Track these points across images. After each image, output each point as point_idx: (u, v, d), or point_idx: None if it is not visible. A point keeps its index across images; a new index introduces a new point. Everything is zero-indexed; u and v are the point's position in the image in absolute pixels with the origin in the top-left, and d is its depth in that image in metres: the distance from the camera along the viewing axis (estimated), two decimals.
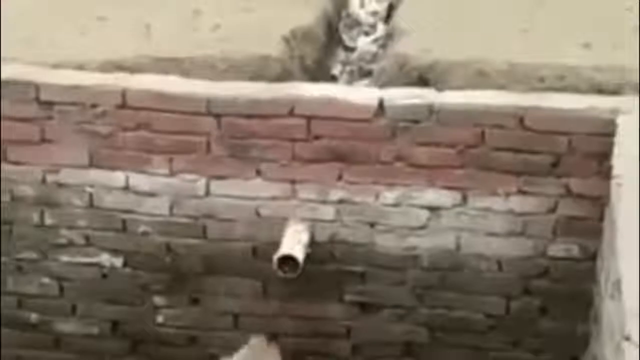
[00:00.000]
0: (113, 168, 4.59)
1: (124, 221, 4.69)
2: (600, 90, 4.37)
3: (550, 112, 4.25)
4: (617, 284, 3.54)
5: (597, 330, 4.20)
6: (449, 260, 4.57)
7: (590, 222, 4.36)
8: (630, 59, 4.46)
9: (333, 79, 5.21)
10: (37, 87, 4.51)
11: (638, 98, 4.24)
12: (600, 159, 4.22)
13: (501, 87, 4.46)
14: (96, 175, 4.60)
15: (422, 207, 4.48)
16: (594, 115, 4.21)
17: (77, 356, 4.94)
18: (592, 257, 4.42)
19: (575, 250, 4.46)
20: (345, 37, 5.50)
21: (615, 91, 4.34)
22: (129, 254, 4.75)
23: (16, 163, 4.63)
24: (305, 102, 4.41)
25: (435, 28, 4.88)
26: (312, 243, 4.56)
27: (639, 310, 3.19)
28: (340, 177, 4.49)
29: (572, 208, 4.36)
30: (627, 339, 3.12)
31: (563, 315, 4.57)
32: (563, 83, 4.44)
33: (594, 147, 4.23)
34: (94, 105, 4.49)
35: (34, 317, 4.90)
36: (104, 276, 4.80)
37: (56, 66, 4.62)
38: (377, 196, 4.49)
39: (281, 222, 4.57)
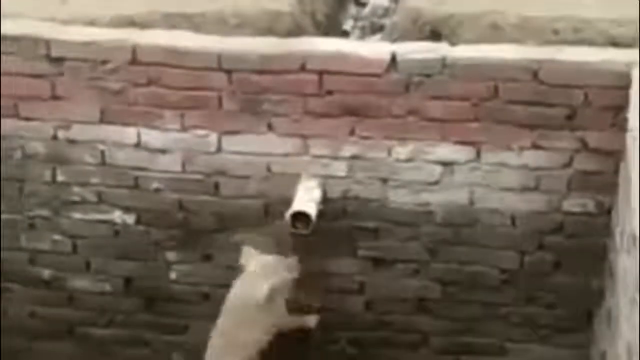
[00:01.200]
0: (124, 124, 4.57)
1: (136, 178, 4.68)
2: (615, 43, 4.32)
3: (566, 65, 4.20)
4: (633, 239, 3.52)
5: (612, 285, 4.19)
6: (463, 215, 4.55)
7: (605, 176, 4.33)
8: None
9: (345, 34, 5.17)
10: (47, 43, 4.48)
11: None
12: (615, 112, 4.18)
13: (515, 41, 4.41)
14: (108, 131, 4.59)
15: (435, 162, 4.46)
16: (610, 68, 4.16)
17: (90, 313, 4.96)
18: (607, 211, 4.40)
19: (590, 205, 4.43)
20: None
21: (630, 44, 4.28)
22: (141, 211, 4.75)
23: (27, 119, 4.61)
24: (317, 57, 4.37)
25: None
26: (325, 199, 4.55)
27: None
28: (352, 133, 4.46)
29: (587, 162, 4.33)
30: None
31: (577, 270, 4.56)
32: (578, 36, 4.39)
33: (610, 100, 4.18)
34: (104, 62, 4.47)
35: (47, 273, 4.92)
36: (117, 233, 4.80)
37: (67, 22, 4.59)
38: (389, 151, 4.47)
39: (293, 179, 4.54)
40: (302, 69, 4.38)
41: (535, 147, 4.35)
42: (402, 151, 4.46)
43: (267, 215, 4.66)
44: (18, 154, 4.69)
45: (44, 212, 4.80)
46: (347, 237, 4.66)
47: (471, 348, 4.81)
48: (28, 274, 4.93)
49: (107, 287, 4.91)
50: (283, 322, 4.50)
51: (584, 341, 4.67)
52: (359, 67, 4.34)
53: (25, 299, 4.98)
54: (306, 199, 4.48)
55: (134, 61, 4.45)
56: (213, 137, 4.55)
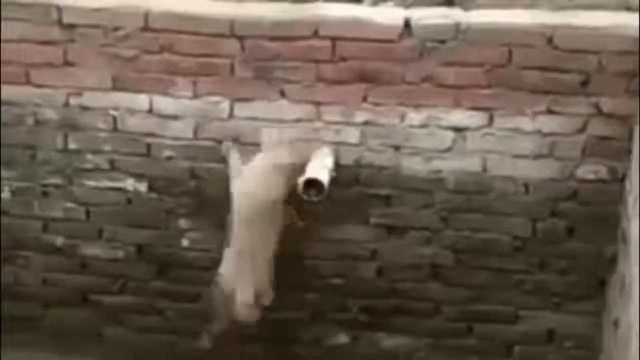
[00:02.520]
0: (137, 91, 4.56)
1: (148, 145, 4.68)
2: (629, 8, 4.28)
3: (580, 30, 4.18)
4: None
5: (625, 251, 4.18)
6: (475, 182, 4.54)
7: (619, 142, 4.32)
8: None
9: (357, 0, 5.13)
10: (59, 9, 4.47)
11: None
12: (629, 78, 4.16)
13: (529, 6, 4.38)
14: (120, 98, 4.58)
15: (448, 128, 4.45)
16: (624, 33, 4.14)
17: (102, 279, 4.97)
18: (621, 178, 4.39)
19: (603, 172, 4.41)
20: None
21: None
22: (153, 178, 4.75)
23: (39, 86, 4.61)
24: (330, 23, 4.36)
25: None
26: (337, 166, 4.54)
27: None
28: (365, 99, 4.45)
29: (601, 128, 4.31)
30: None
31: (590, 237, 4.55)
32: (592, 1, 4.35)
33: (624, 65, 4.16)
34: (116, 28, 4.46)
35: (60, 241, 4.92)
36: (129, 201, 4.81)
37: None
38: (402, 118, 4.46)
39: (306, 145, 4.54)
40: (315, 35, 4.36)
41: (549, 112, 4.33)
42: (415, 117, 4.44)
43: None
44: (30, 121, 4.69)
45: (57, 180, 4.80)
46: (360, 205, 4.66)
47: (484, 316, 4.81)
48: (41, 241, 4.94)
49: (120, 255, 4.92)
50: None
51: (597, 308, 4.66)
52: (373, 33, 4.33)
53: (39, 267, 5.00)
54: (319, 166, 4.48)
55: (145, 28, 4.44)
56: (225, 103, 4.54)
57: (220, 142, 4.61)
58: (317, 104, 4.48)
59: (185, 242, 4.86)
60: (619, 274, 4.31)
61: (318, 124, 4.51)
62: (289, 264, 4.79)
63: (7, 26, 4.50)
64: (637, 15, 4.18)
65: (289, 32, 4.37)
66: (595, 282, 4.64)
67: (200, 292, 4.89)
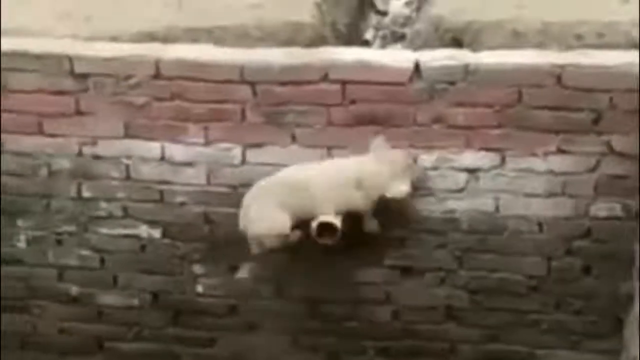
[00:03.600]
0: (149, 138, 4.59)
1: (161, 192, 4.70)
2: (638, 46, 4.29)
3: (589, 69, 4.19)
4: None
5: None
6: (489, 222, 4.54)
7: (632, 180, 4.31)
8: None
9: (366, 43, 5.17)
10: (71, 59, 4.51)
11: None
12: None
13: (537, 46, 4.39)
14: (132, 146, 4.61)
15: (460, 169, 4.45)
16: (634, 71, 4.14)
17: (118, 328, 4.97)
18: (635, 215, 4.38)
19: (617, 210, 4.41)
20: (377, 1, 5.44)
21: None
22: (167, 224, 4.76)
23: (52, 136, 4.64)
24: (339, 67, 4.38)
25: None
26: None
27: None
28: None
29: (613, 166, 4.31)
30: None
31: (606, 275, 4.53)
32: (601, 40, 4.37)
33: (635, 103, 4.16)
34: (128, 77, 4.49)
35: (75, 289, 4.93)
36: (143, 247, 4.82)
37: (90, 39, 4.62)
38: (414, 160, 4.46)
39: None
40: (325, 79, 4.38)
41: (561, 152, 4.33)
42: (427, 159, 4.45)
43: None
44: (44, 171, 4.71)
45: (71, 228, 4.82)
46: (374, 247, 4.65)
47: (500, 356, 4.79)
48: (56, 290, 4.95)
49: (135, 302, 4.92)
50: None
51: (614, 347, 4.62)
52: (382, 76, 4.35)
53: (55, 315, 5.00)
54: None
55: (157, 75, 4.47)
56: (237, 149, 4.55)
57: (234, 187, 4.62)
58: (329, 147, 4.50)
59: (199, 288, 4.86)
60: (636, 312, 4.28)
61: None
62: (305, 309, 4.80)
63: (20, 77, 4.54)
64: None
65: (299, 76, 4.39)
66: (613, 320, 4.61)
67: (215, 337, 4.90)
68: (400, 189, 4.39)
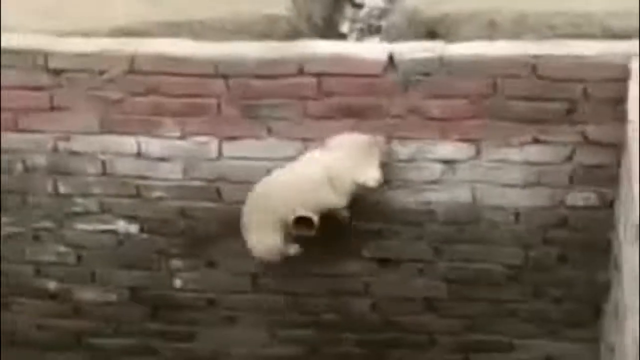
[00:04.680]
0: (125, 133, 4.57)
1: (137, 187, 4.68)
2: (613, 35, 4.31)
3: (564, 59, 4.19)
4: (636, 229, 3.52)
5: (618, 277, 4.18)
6: (466, 213, 4.54)
7: (607, 169, 4.32)
8: None
9: (342, 36, 5.16)
10: (45, 55, 4.48)
11: None
12: (615, 105, 4.17)
13: (513, 37, 4.40)
14: (108, 141, 4.59)
15: (437, 160, 4.45)
16: (608, 61, 4.15)
17: (97, 323, 4.96)
18: (610, 204, 4.40)
19: (593, 199, 4.42)
20: None
21: (628, 35, 4.27)
22: (144, 219, 4.75)
23: (27, 132, 4.61)
24: (315, 60, 4.37)
25: None
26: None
27: None
28: None
29: (588, 156, 4.33)
30: None
31: (583, 264, 4.55)
32: (576, 30, 4.38)
33: (609, 92, 4.18)
34: (102, 72, 4.47)
35: (52, 285, 4.92)
36: (121, 243, 4.80)
37: (64, 34, 4.59)
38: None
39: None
40: (300, 72, 4.37)
41: (536, 142, 4.35)
42: (403, 151, 4.45)
43: None
44: (19, 167, 4.69)
45: (48, 224, 4.80)
46: (352, 239, 4.66)
47: (479, 346, 4.81)
48: (34, 286, 4.93)
49: (113, 297, 4.91)
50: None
51: (593, 335, 4.66)
52: (357, 68, 4.34)
53: (33, 312, 4.99)
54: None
55: (131, 70, 4.45)
56: (214, 143, 4.55)
57: (211, 181, 4.62)
58: (305, 140, 4.49)
59: (178, 283, 4.86)
60: (613, 300, 4.31)
61: None
62: (283, 301, 4.80)
63: None
64: (621, 42, 4.21)
65: (275, 70, 4.38)
66: (591, 309, 4.64)
67: (194, 331, 4.90)
68: (370, 175, 4.37)
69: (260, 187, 4.47)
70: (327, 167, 4.38)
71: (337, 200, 4.42)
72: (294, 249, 4.56)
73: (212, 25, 4.61)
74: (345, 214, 4.55)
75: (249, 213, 4.50)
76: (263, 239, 4.48)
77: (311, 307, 4.81)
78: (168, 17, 4.66)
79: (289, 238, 4.50)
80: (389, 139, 4.41)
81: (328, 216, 4.47)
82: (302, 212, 4.40)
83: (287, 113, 4.44)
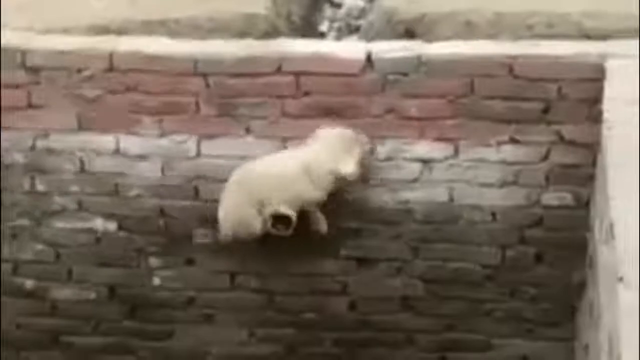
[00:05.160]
0: (103, 131, 4.57)
1: (116, 185, 4.68)
2: (588, 36, 4.35)
3: (539, 59, 4.22)
4: (610, 228, 3.54)
5: (593, 276, 4.21)
6: (443, 212, 4.56)
7: (582, 169, 4.35)
8: (617, 4, 4.43)
9: (321, 35, 5.19)
10: (23, 53, 4.48)
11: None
12: (590, 105, 4.21)
13: (490, 37, 4.43)
14: (86, 139, 4.59)
15: (414, 160, 4.47)
16: (583, 61, 4.19)
17: (74, 321, 4.94)
18: (586, 204, 4.42)
19: (568, 198, 4.45)
20: None
21: (603, 36, 4.31)
22: (122, 217, 4.74)
23: (5, 129, 4.60)
24: (293, 59, 4.38)
25: None
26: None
27: (631, 252, 3.19)
28: None
29: (564, 155, 4.35)
30: (621, 280, 3.11)
31: (559, 263, 4.58)
32: (552, 30, 4.42)
33: (584, 92, 4.21)
34: (80, 70, 4.47)
35: (30, 283, 4.90)
36: (98, 241, 4.79)
37: (42, 31, 4.59)
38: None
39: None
40: (278, 71, 4.39)
41: (513, 141, 4.37)
42: (380, 150, 4.47)
43: None
44: None
45: (25, 222, 4.79)
46: (329, 238, 4.67)
47: (456, 345, 4.82)
48: (11, 284, 4.91)
49: (91, 295, 4.89)
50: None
51: (568, 334, 4.68)
52: (335, 67, 4.36)
53: (10, 310, 4.96)
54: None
55: (110, 68, 4.45)
56: (192, 141, 4.55)
57: (189, 180, 4.62)
58: (284, 139, 4.50)
59: (156, 281, 4.85)
60: (588, 300, 4.33)
61: None
62: (261, 300, 4.81)
63: None
64: (596, 43, 4.24)
65: (252, 68, 4.39)
66: (566, 308, 4.66)
67: (172, 330, 4.89)
68: (346, 167, 4.37)
69: (240, 171, 4.46)
70: (305, 159, 4.38)
71: (314, 193, 4.43)
72: (264, 228, 4.50)
73: (190, 24, 4.63)
74: (323, 226, 4.56)
75: (226, 191, 4.48)
76: (236, 213, 4.45)
77: (289, 306, 4.81)
78: (146, 15, 4.67)
79: (264, 220, 4.47)
80: (368, 137, 4.43)
81: (304, 215, 4.48)
82: (280, 210, 4.41)
83: (265, 112, 4.45)
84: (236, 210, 4.45)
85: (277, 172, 4.42)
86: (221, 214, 4.51)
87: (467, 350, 4.82)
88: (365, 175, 4.46)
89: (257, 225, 4.46)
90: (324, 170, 4.38)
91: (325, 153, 4.37)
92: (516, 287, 4.66)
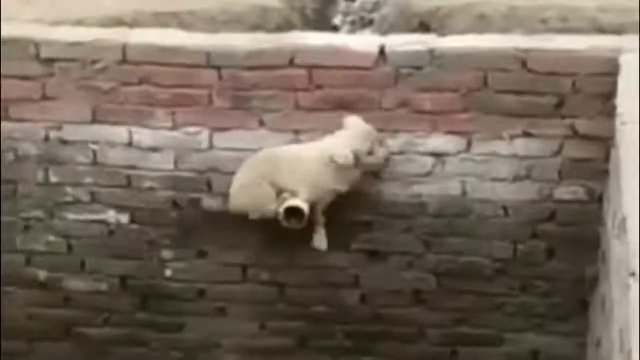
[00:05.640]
0: (116, 123, 4.58)
1: (128, 177, 4.69)
2: (602, 30, 4.34)
3: (553, 53, 4.22)
4: (623, 223, 3.53)
5: (605, 271, 4.20)
6: (455, 206, 4.56)
7: (595, 163, 4.35)
8: None
9: (334, 29, 5.19)
10: (37, 44, 4.49)
11: None
12: (604, 99, 4.20)
13: (503, 31, 4.43)
14: (99, 131, 4.60)
15: (427, 153, 4.47)
16: (597, 55, 4.18)
17: (86, 313, 4.96)
18: (599, 199, 4.41)
19: (581, 193, 4.44)
20: None
21: (617, 30, 4.30)
22: (134, 209, 4.76)
23: (19, 121, 4.62)
24: (306, 52, 4.39)
25: None
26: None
27: None
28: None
29: (577, 150, 4.35)
30: (633, 274, 3.11)
31: (570, 258, 4.57)
32: (565, 24, 4.41)
33: (598, 87, 4.20)
34: (94, 61, 4.48)
35: (42, 274, 4.92)
36: (111, 232, 4.81)
37: (56, 23, 4.60)
38: (380, 144, 4.47)
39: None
40: (291, 63, 4.39)
41: (526, 135, 4.36)
42: (393, 143, 4.47)
43: None
44: (10, 156, 4.69)
45: (38, 213, 4.81)
46: (341, 231, 4.67)
47: (467, 339, 4.82)
48: (24, 275, 4.93)
49: (103, 287, 4.91)
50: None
51: (580, 329, 4.67)
52: (348, 60, 4.36)
53: (23, 301, 4.98)
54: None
55: (123, 60, 4.46)
56: (204, 134, 4.56)
57: (201, 172, 4.63)
58: (296, 132, 4.50)
59: (168, 273, 4.86)
60: (600, 294, 4.32)
61: None
62: (273, 293, 4.81)
63: None
64: (610, 37, 4.23)
65: (266, 61, 4.40)
66: (578, 302, 4.65)
67: (184, 322, 4.91)
68: (340, 152, 4.35)
69: (262, 152, 4.46)
70: (327, 148, 4.37)
71: (334, 184, 4.42)
72: (276, 210, 4.49)
73: (204, 16, 4.65)
74: (323, 244, 4.58)
75: (246, 165, 4.47)
76: (252, 189, 4.44)
77: (301, 298, 4.82)
78: (160, 7, 4.69)
79: (278, 203, 4.46)
80: (381, 131, 4.42)
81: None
82: (293, 202, 4.42)
83: (278, 104, 4.45)
84: (252, 186, 4.45)
85: (299, 156, 4.41)
86: (235, 186, 4.49)
87: (478, 345, 4.82)
88: (377, 166, 4.44)
89: (270, 206, 4.46)
90: (344, 160, 4.36)
91: (347, 142, 4.35)
92: (528, 281, 4.65)
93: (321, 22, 5.10)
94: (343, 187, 4.45)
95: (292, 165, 4.42)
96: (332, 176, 4.41)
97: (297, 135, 4.51)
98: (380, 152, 4.39)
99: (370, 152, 4.36)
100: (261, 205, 4.47)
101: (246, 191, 4.47)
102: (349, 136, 4.35)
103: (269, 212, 4.47)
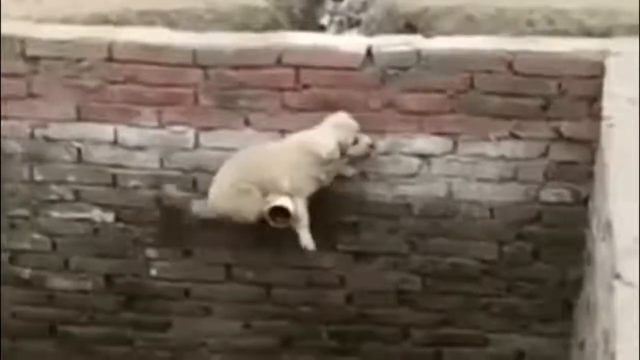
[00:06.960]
0: (101, 122, 4.57)
1: (114, 175, 4.68)
2: (589, 33, 4.35)
3: (540, 55, 4.23)
4: (608, 225, 3.54)
5: (590, 273, 4.20)
6: (441, 207, 4.56)
7: (581, 166, 4.36)
8: (618, 2, 4.43)
9: (322, 29, 5.19)
10: (22, 42, 4.47)
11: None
12: (590, 102, 4.21)
13: (490, 32, 4.43)
14: (85, 129, 4.59)
15: (413, 154, 4.47)
16: (583, 58, 4.19)
17: (71, 311, 4.94)
18: (584, 201, 4.43)
19: (566, 195, 4.45)
20: None
21: (604, 33, 4.31)
22: (119, 208, 4.74)
23: (4, 119, 4.60)
24: (293, 52, 4.38)
25: None
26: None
27: (628, 249, 3.19)
28: None
29: (563, 152, 4.36)
30: (618, 277, 3.11)
31: (556, 260, 4.58)
32: (552, 27, 4.42)
33: (584, 89, 4.21)
34: (80, 59, 4.46)
35: (27, 273, 4.90)
36: (96, 231, 4.80)
37: (42, 21, 4.59)
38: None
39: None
40: (278, 63, 4.39)
41: (512, 137, 4.37)
42: (379, 144, 4.46)
43: None
44: None
45: (23, 212, 4.79)
46: (327, 231, 4.67)
47: (452, 339, 4.83)
48: (9, 273, 4.91)
49: (88, 285, 4.90)
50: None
51: (564, 330, 4.68)
52: (335, 61, 4.36)
53: (7, 299, 4.97)
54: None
55: (110, 58, 4.45)
56: (190, 133, 4.55)
57: (187, 171, 4.62)
58: (282, 131, 4.50)
59: (153, 272, 4.85)
60: (585, 296, 4.34)
61: None
62: (258, 293, 4.81)
63: None
64: (596, 40, 4.24)
65: (252, 60, 4.39)
66: (562, 304, 4.66)
67: (169, 321, 4.90)
68: (324, 143, 4.33)
69: (238, 153, 4.45)
70: (304, 141, 4.36)
71: (322, 179, 4.41)
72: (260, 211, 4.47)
73: (190, 15, 4.63)
74: (310, 244, 4.52)
75: (224, 168, 4.45)
76: (232, 193, 4.42)
77: (286, 298, 4.82)
78: (146, 5, 4.67)
79: (261, 203, 4.45)
80: (367, 131, 4.42)
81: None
82: (279, 202, 4.41)
83: (264, 104, 4.45)
84: (233, 191, 4.43)
85: (280, 148, 4.39)
86: (216, 192, 4.47)
87: (463, 345, 4.83)
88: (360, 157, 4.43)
89: (255, 208, 4.44)
90: (329, 154, 4.34)
91: (324, 135, 4.34)
92: (513, 282, 4.66)
93: (308, 22, 5.09)
94: (326, 176, 4.44)
95: (272, 159, 4.40)
96: (315, 165, 4.39)
97: (283, 135, 4.50)
98: (363, 142, 4.36)
99: (354, 142, 4.34)
100: (246, 209, 4.45)
101: (228, 196, 4.45)
102: (331, 127, 4.33)
103: (254, 215, 4.46)
